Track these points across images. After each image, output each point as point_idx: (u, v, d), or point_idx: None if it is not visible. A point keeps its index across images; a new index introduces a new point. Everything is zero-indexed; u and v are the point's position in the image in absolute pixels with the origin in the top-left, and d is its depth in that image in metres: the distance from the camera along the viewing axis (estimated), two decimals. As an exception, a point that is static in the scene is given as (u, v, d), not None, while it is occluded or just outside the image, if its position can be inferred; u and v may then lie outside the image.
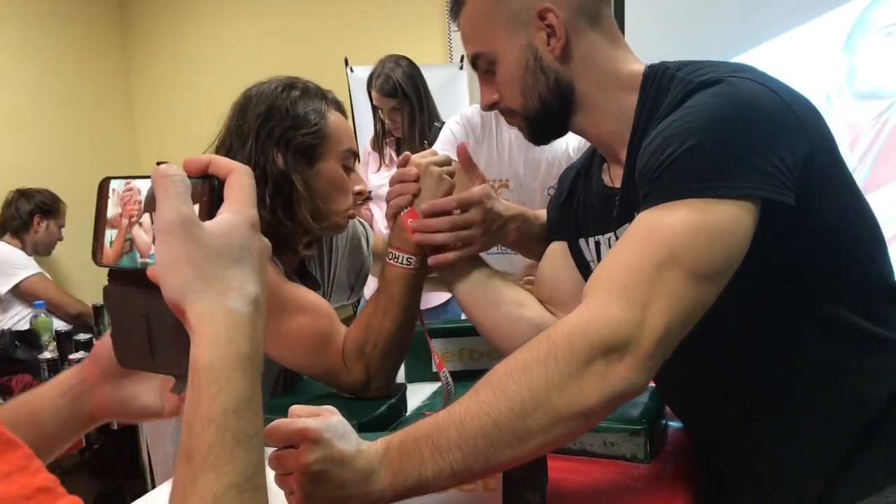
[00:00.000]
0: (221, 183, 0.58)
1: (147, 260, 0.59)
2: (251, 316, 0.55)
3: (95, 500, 3.28)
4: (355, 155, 1.42)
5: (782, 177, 0.82)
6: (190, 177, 0.57)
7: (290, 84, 1.36)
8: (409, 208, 1.22)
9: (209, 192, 0.58)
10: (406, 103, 2.70)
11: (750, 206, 0.82)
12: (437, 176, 1.20)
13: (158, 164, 0.56)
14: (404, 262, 1.23)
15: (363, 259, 1.67)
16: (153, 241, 0.57)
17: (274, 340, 1.28)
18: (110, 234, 0.61)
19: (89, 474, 3.55)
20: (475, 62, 1.12)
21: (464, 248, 1.20)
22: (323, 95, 1.38)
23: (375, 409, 1.24)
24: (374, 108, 2.88)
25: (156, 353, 0.61)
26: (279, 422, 0.81)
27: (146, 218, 0.59)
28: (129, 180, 0.61)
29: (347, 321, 1.32)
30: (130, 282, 0.61)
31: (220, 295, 0.53)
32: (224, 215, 0.56)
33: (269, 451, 0.82)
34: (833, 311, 0.93)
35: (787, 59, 3.06)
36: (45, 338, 3.17)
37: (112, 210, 0.61)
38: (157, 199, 0.55)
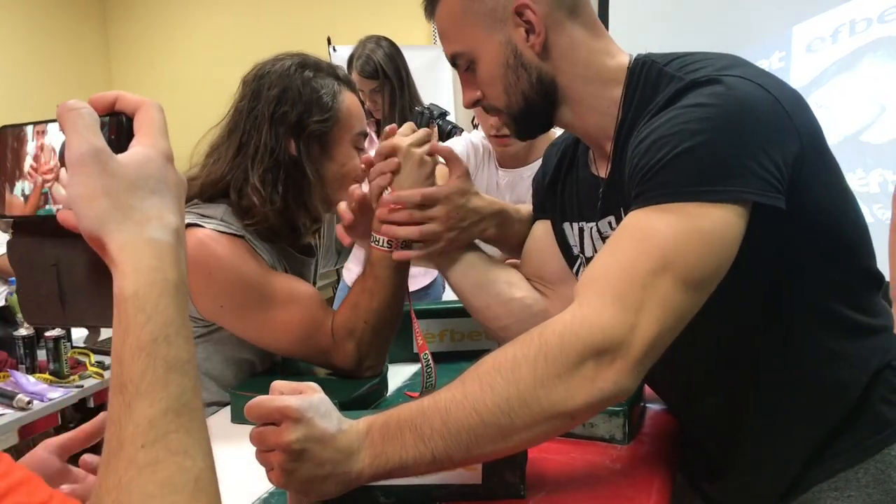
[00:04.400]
0: (130, 119, 0.56)
1: (59, 207, 0.56)
2: (173, 245, 0.53)
3: (71, 479, 3.24)
4: (366, 135, 1.41)
5: (773, 179, 0.83)
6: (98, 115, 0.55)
7: (303, 63, 1.34)
8: (390, 190, 1.19)
9: (117, 128, 0.56)
10: (387, 85, 2.66)
11: (741, 210, 0.83)
12: (419, 158, 1.17)
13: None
14: (385, 244, 1.23)
15: None
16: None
17: (265, 331, 1.29)
18: (21, 186, 0.58)
19: (65, 453, 3.52)
20: (454, 61, 1.09)
21: (429, 244, 1.18)
22: (335, 74, 1.36)
23: (357, 388, 1.24)
24: None
25: (67, 304, 0.58)
26: (260, 399, 0.81)
27: (63, 172, 0.56)
28: (26, 127, 0.58)
29: (328, 302, 1.32)
30: (38, 232, 0.58)
31: (140, 225, 0.52)
32: (136, 148, 0.55)
33: (251, 427, 0.82)
34: (820, 300, 0.94)
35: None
36: (21, 315, 3.12)
37: (12, 161, 0.58)
38: (65, 133, 0.52)
